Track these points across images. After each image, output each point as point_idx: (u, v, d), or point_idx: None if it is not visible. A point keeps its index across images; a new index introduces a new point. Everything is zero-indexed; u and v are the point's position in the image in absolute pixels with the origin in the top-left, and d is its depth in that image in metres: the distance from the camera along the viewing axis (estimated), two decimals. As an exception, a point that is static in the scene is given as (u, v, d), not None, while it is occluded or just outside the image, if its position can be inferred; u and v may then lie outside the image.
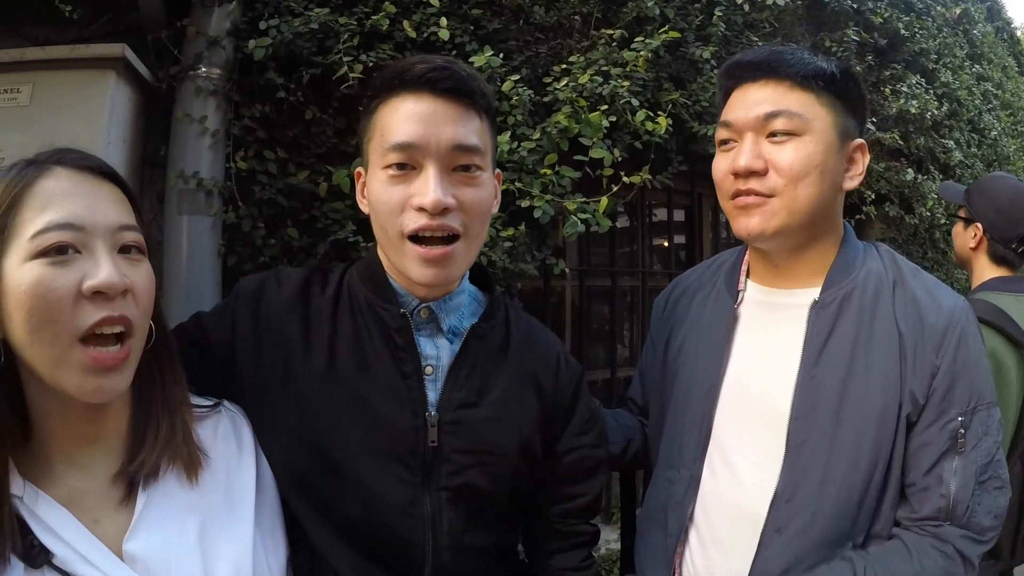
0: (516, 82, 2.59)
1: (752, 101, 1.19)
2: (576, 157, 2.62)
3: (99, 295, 0.84)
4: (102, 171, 0.91)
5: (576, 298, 3.87)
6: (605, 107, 2.71)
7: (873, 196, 4.38)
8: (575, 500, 1.25)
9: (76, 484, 0.89)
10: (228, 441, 1.04)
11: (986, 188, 2.18)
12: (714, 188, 1.26)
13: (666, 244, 4.46)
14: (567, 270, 3.00)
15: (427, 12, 2.59)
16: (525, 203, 2.50)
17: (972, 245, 2.16)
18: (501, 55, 2.63)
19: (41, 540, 0.83)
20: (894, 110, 4.56)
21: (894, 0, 4.87)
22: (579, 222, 2.50)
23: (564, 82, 2.74)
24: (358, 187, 1.19)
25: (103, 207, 0.88)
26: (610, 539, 3.04)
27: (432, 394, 1.13)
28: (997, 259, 2.13)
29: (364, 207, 1.16)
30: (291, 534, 1.08)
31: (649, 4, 3.10)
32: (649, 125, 2.81)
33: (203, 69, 2.30)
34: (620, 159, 2.76)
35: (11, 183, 0.85)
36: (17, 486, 0.84)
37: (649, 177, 2.80)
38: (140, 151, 2.37)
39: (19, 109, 2.11)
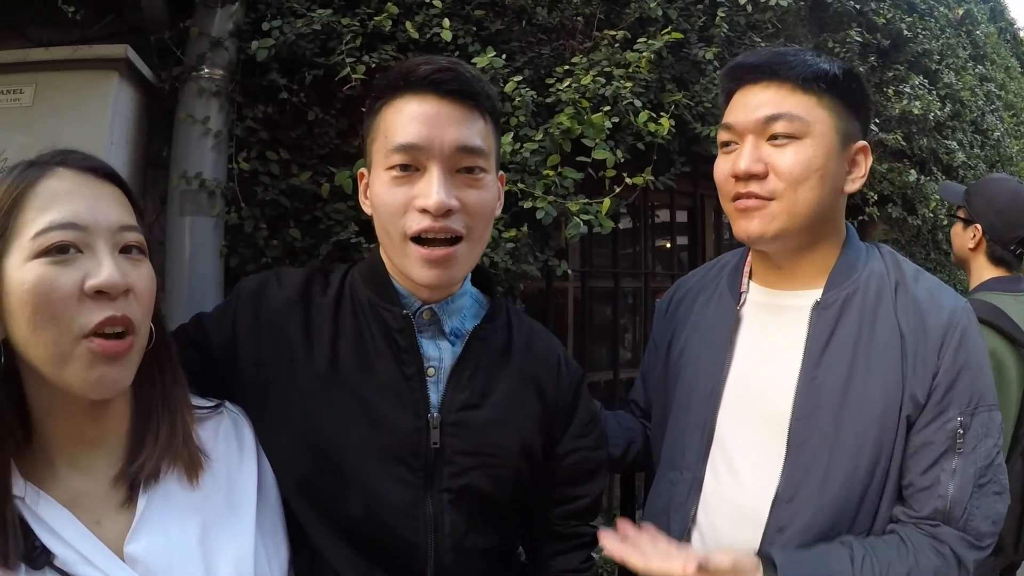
0: (519, 83, 2.59)
1: (753, 104, 1.19)
2: (579, 158, 2.61)
3: (101, 294, 0.84)
4: (104, 172, 0.91)
5: (578, 299, 3.87)
6: (608, 108, 2.71)
7: (876, 197, 4.37)
8: (576, 502, 1.25)
9: (78, 485, 0.89)
10: (229, 442, 1.04)
11: (985, 189, 2.19)
12: (716, 189, 1.26)
13: (668, 245, 4.46)
14: (569, 271, 3.00)
15: (430, 13, 2.58)
16: (527, 204, 2.50)
17: (971, 246, 2.18)
18: (504, 56, 2.63)
19: (42, 541, 0.83)
20: (897, 111, 4.55)
21: (897, 1, 4.86)
22: (581, 223, 2.49)
23: (567, 83, 2.74)
24: (361, 188, 1.19)
25: (104, 207, 0.88)
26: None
27: (434, 396, 1.13)
28: (995, 260, 2.15)
29: (367, 208, 1.16)
30: (292, 535, 1.08)
31: (652, 5, 3.10)
32: (652, 126, 2.80)
33: (206, 70, 2.30)
34: (623, 160, 2.76)
35: (13, 183, 0.85)
36: (18, 487, 0.84)
37: (652, 178, 2.79)
38: (143, 152, 2.37)
39: (22, 110, 2.11)
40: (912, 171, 4.64)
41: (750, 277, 1.34)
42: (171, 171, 2.31)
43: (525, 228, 2.56)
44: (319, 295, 1.17)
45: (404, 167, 1.06)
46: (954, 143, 5.14)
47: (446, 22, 2.56)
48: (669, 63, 3.22)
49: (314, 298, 1.17)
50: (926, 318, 1.16)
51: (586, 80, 2.73)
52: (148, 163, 2.40)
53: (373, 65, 2.38)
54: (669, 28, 3.01)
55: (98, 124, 2.12)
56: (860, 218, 4.24)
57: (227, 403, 1.08)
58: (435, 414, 1.11)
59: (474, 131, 1.08)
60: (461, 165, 1.07)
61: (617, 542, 1.08)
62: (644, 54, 2.87)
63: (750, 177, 1.17)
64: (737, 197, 1.20)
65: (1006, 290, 2.08)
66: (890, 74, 4.70)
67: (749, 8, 3.59)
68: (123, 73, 2.17)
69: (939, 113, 4.83)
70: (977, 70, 6.03)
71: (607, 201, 2.58)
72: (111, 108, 2.14)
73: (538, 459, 1.20)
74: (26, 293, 0.82)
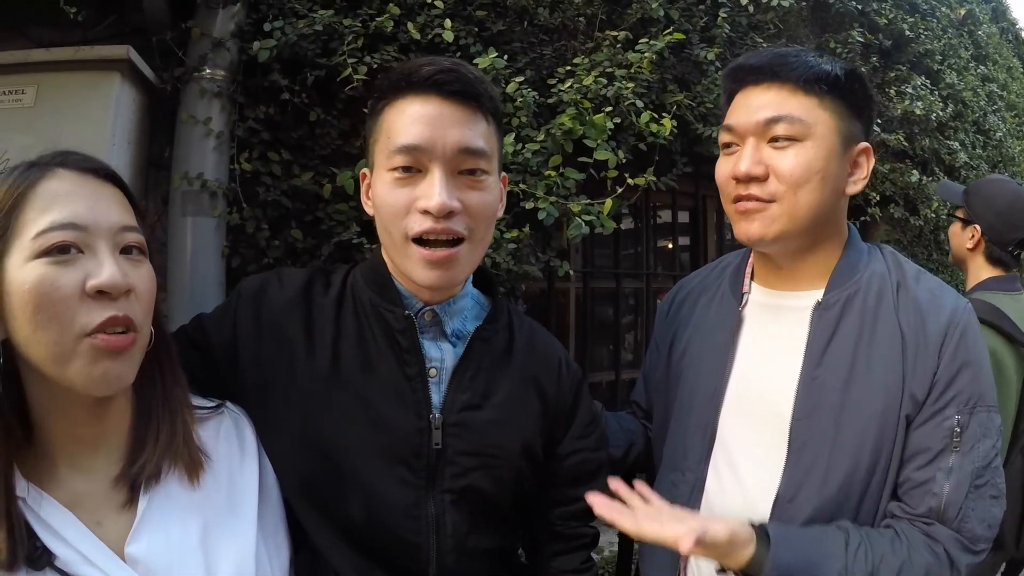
0: (520, 84, 2.59)
1: (754, 105, 1.18)
2: (580, 159, 2.61)
3: (102, 294, 0.84)
4: (104, 173, 0.92)
5: (580, 300, 3.87)
6: (609, 109, 2.71)
7: (878, 198, 4.38)
8: (576, 502, 1.24)
9: (79, 486, 0.89)
10: (230, 442, 1.04)
11: (984, 191, 2.21)
12: (718, 190, 1.26)
13: (670, 246, 4.47)
14: (571, 272, 3.00)
15: (431, 14, 2.59)
16: (529, 205, 2.50)
17: (970, 246, 2.20)
18: (505, 57, 2.63)
19: (44, 541, 0.83)
20: (899, 111, 4.55)
21: (899, 1, 4.87)
22: (583, 224, 2.50)
23: (568, 84, 2.74)
24: (363, 188, 1.19)
25: (105, 208, 0.89)
26: (613, 541, 3.03)
27: (436, 396, 1.12)
28: (993, 260, 2.17)
29: (369, 209, 1.16)
30: (293, 535, 1.07)
31: (653, 6, 3.10)
32: (653, 127, 2.80)
33: (207, 71, 2.31)
34: (624, 161, 2.76)
35: (14, 184, 0.85)
36: (20, 487, 0.84)
37: (653, 179, 2.79)
38: (145, 152, 2.37)
39: (24, 110, 2.11)
40: (914, 172, 4.65)
41: (752, 278, 1.33)
42: (173, 172, 2.31)
43: (527, 229, 2.56)
44: (320, 295, 1.17)
45: (406, 168, 1.05)
46: (956, 144, 5.14)
47: (448, 23, 2.56)
48: (671, 64, 3.22)
49: (315, 298, 1.16)
50: (927, 318, 1.16)
51: (588, 81, 2.74)
52: (150, 164, 2.41)
53: (375, 66, 2.38)
54: (671, 29, 3.02)
55: (100, 125, 2.12)
56: (862, 219, 4.24)
57: (228, 403, 1.08)
58: (437, 415, 1.11)
59: (476, 133, 1.08)
60: (463, 167, 1.07)
61: (607, 505, 1.07)
62: (646, 55, 2.87)
63: (750, 179, 1.17)
64: (738, 199, 1.19)
65: (1003, 289, 2.10)
66: (892, 74, 4.70)
67: (751, 9, 3.59)
68: (125, 74, 2.18)
69: (941, 113, 4.84)
70: (979, 70, 6.03)
71: (609, 202, 2.58)
72: (113, 109, 2.15)
73: (539, 460, 1.20)
74: (27, 293, 0.82)
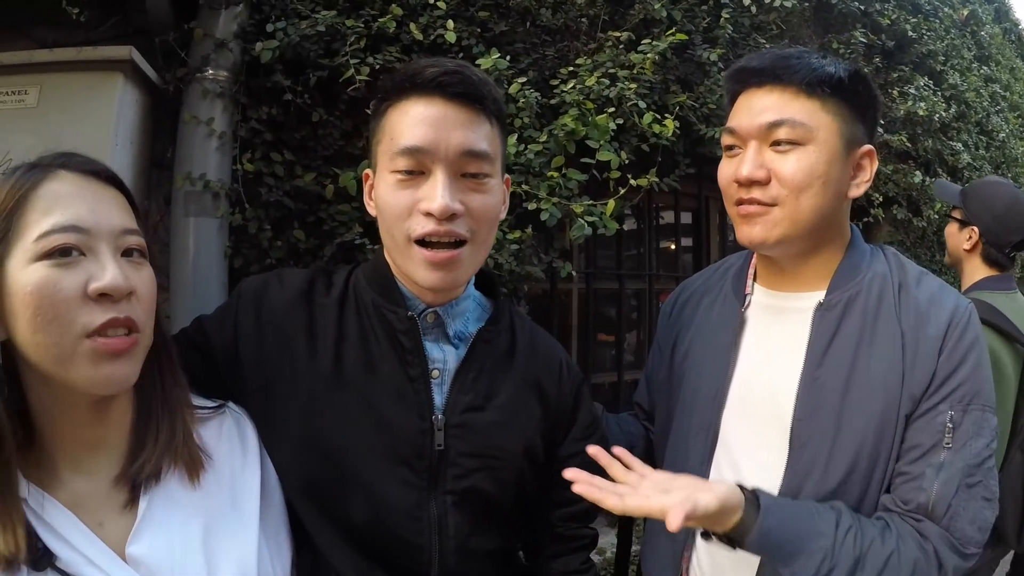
0: (523, 84, 2.59)
1: (756, 108, 1.18)
2: (583, 160, 2.61)
3: (104, 297, 0.84)
4: (105, 175, 0.92)
5: (583, 301, 3.87)
6: (612, 109, 2.70)
7: (881, 199, 4.37)
8: (577, 504, 1.24)
9: (80, 487, 0.89)
10: (232, 442, 1.04)
11: (982, 193, 2.24)
12: (721, 191, 1.26)
13: (673, 247, 4.46)
14: (574, 273, 3.00)
15: (434, 15, 2.58)
16: (532, 206, 2.49)
17: (967, 247, 2.23)
18: (508, 57, 2.63)
19: (45, 543, 0.83)
20: (902, 112, 4.55)
21: (901, 2, 4.86)
22: (586, 225, 2.49)
23: (571, 84, 2.74)
24: (366, 189, 1.18)
25: (107, 211, 0.89)
26: (615, 543, 3.03)
27: (438, 397, 1.12)
28: (990, 261, 2.20)
29: (371, 210, 1.16)
30: (294, 536, 1.07)
31: (656, 6, 3.10)
32: (656, 128, 2.80)
33: (210, 71, 2.31)
34: (627, 162, 2.75)
35: (15, 185, 0.85)
36: (22, 489, 0.84)
37: (656, 180, 2.79)
38: (147, 153, 2.37)
39: (27, 111, 2.11)
40: (917, 172, 4.64)
41: (754, 279, 1.33)
42: (175, 172, 2.31)
43: (529, 230, 2.56)
44: (322, 296, 1.17)
45: (409, 170, 1.05)
46: (959, 144, 5.14)
47: (450, 23, 2.56)
48: (673, 64, 3.22)
49: (317, 299, 1.16)
50: (928, 319, 1.16)
51: (590, 81, 2.73)
52: (152, 164, 2.41)
53: (377, 66, 2.38)
54: (673, 29, 3.01)
55: (102, 125, 2.12)
56: (865, 220, 4.24)
57: (230, 404, 1.08)
58: (439, 416, 1.11)
59: (480, 135, 1.07)
60: (466, 170, 1.07)
61: (588, 485, 1.02)
62: (648, 55, 2.86)
63: (752, 183, 1.17)
64: (740, 202, 1.20)
65: (999, 289, 2.14)
66: (895, 75, 4.70)
67: (754, 9, 3.59)
68: (127, 74, 2.18)
69: (944, 114, 4.83)
70: (982, 71, 6.03)
71: (611, 203, 2.57)
72: (115, 109, 2.14)
73: (540, 461, 1.20)
74: (29, 295, 0.82)
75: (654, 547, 1.36)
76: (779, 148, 1.16)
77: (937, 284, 1.22)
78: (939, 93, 4.95)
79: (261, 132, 2.39)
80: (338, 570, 1.07)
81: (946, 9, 5.54)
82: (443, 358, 1.14)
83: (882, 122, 4.40)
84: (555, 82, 2.81)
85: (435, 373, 1.13)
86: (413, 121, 1.05)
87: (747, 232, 1.19)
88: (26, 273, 0.82)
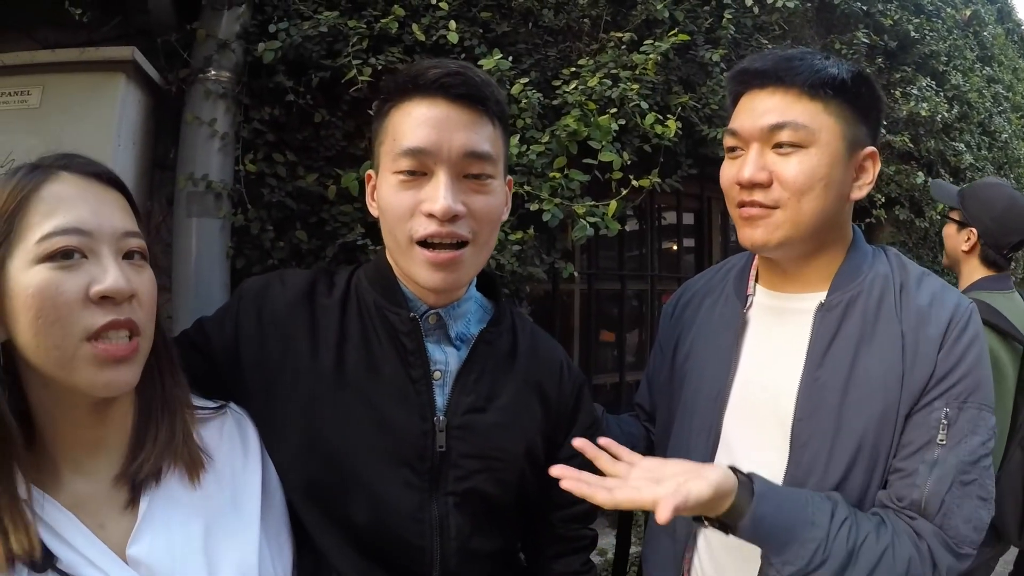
0: (525, 85, 2.59)
1: (759, 110, 1.18)
2: (585, 160, 2.61)
3: (106, 299, 0.84)
4: (107, 177, 0.92)
5: (585, 302, 3.87)
6: (614, 110, 2.70)
7: (883, 200, 4.37)
8: (577, 505, 1.24)
9: (81, 489, 0.89)
10: (233, 443, 1.04)
11: (981, 195, 2.25)
12: (723, 192, 1.26)
13: (675, 248, 4.46)
14: (576, 274, 3.00)
15: (436, 15, 2.59)
16: (534, 206, 2.49)
17: (966, 248, 2.25)
18: (510, 58, 2.63)
19: (46, 544, 0.83)
20: (904, 113, 4.54)
21: (904, 2, 4.86)
22: (588, 225, 2.49)
23: (573, 85, 2.74)
24: (368, 190, 1.18)
25: (108, 213, 0.89)
26: (615, 543, 3.04)
27: (440, 399, 1.12)
28: (988, 262, 2.22)
29: (374, 210, 1.16)
30: (296, 537, 1.07)
31: (658, 7, 3.10)
32: (658, 128, 2.79)
33: (213, 72, 2.31)
34: (629, 162, 2.76)
35: (17, 186, 0.85)
36: (22, 490, 0.84)
37: (658, 180, 2.79)
38: (150, 153, 2.37)
39: (29, 111, 2.12)
40: (919, 173, 4.63)
41: (756, 280, 1.33)
42: (178, 173, 2.32)
43: (531, 230, 2.56)
44: (324, 296, 1.17)
45: (411, 171, 1.05)
46: (962, 145, 5.13)
47: (452, 24, 2.56)
48: (676, 65, 3.22)
49: (319, 300, 1.16)
50: (929, 319, 1.16)
51: (592, 82, 2.73)
52: (155, 165, 2.41)
53: (379, 67, 2.38)
54: (676, 30, 3.01)
55: (105, 126, 2.13)
56: (867, 220, 4.24)
57: (231, 404, 1.08)
58: (441, 417, 1.11)
59: (483, 136, 1.07)
60: (469, 171, 1.07)
61: (576, 481, 0.98)
62: (650, 56, 2.86)
63: (754, 185, 1.16)
64: (742, 204, 1.19)
65: (997, 288, 2.16)
66: (897, 76, 4.70)
67: (756, 10, 3.58)
68: (130, 75, 2.18)
69: (946, 115, 4.83)
70: (985, 71, 6.01)
71: (613, 203, 2.57)
72: (118, 110, 2.15)
73: (541, 463, 1.20)
74: (30, 297, 0.82)
75: (655, 547, 1.36)
76: (781, 150, 1.15)
77: (939, 285, 1.22)
78: (941, 94, 4.94)
79: (263, 133, 2.39)
80: (339, 571, 1.06)
81: (949, 10, 5.53)
82: (445, 359, 1.14)
83: (885, 123, 4.40)
84: (557, 83, 2.81)
85: (437, 374, 1.13)
86: (416, 122, 1.05)
87: (749, 234, 1.19)
88: (28, 275, 0.82)
